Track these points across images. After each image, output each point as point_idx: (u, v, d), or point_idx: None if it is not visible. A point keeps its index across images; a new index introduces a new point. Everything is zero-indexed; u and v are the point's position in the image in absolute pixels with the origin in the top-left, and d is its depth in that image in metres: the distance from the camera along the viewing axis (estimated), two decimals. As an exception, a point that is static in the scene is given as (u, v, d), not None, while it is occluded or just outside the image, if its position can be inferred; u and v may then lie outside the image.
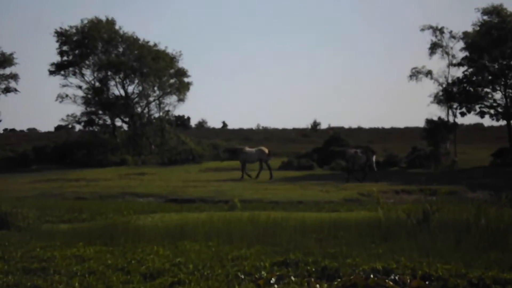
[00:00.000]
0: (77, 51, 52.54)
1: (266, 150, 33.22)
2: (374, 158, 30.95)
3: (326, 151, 33.41)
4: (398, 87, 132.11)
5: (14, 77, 53.05)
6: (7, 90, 53.23)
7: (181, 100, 55.15)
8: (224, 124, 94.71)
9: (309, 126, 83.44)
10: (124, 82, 53.69)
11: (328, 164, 40.06)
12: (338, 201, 21.81)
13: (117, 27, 53.56)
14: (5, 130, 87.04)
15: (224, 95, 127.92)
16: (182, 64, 55.38)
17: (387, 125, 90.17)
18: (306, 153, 44.88)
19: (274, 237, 10.19)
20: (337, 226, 11.04)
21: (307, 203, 20.69)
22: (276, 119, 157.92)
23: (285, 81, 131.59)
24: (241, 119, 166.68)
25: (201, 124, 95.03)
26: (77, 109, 55.50)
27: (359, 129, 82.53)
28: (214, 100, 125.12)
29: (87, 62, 53.25)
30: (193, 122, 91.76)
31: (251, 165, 34.35)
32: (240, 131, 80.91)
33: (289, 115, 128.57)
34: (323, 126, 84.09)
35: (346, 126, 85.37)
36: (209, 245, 9.72)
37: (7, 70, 52.70)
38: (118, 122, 55.28)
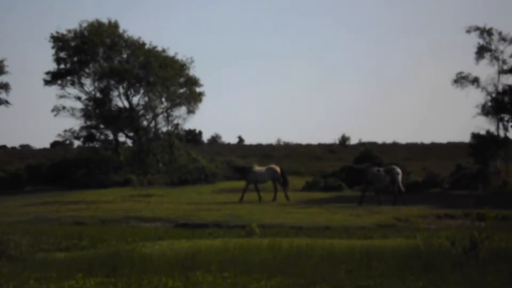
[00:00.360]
0: (75, 58, 52.95)
1: (278, 169, 33.56)
2: (400, 177, 30.79)
3: (356, 169, 33.36)
4: (439, 98, 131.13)
5: (5, 87, 53.33)
6: (-4, 102, 53.65)
7: (191, 112, 55.34)
8: (240, 139, 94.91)
9: (337, 141, 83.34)
10: (128, 92, 54.06)
11: (359, 184, 39.91)
12: (371, 226, 21.71)
13: (120, 30, 54.05)
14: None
15: (240, 106, 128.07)
16: (193, 72, 55.67)
17: (427, 140, 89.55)
18: (334, 172, 44.76)
19: (298, 267, 10.18)
20: (370, 255, 11.01)
21: (335, 228, 20.63)
22: (299, 133, 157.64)
23: (308, 91, 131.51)
24: (259, 134, 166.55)
25: (215, 139, 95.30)
26: (76, 123, 55.74)
27: (395, 145, 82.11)
28: (229, 113, 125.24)
29: (87, 70, 53.65)
30: (205, 137, 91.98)
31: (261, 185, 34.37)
32: (258, 147, 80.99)
33: (314, 128, 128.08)
34: (353, 141, 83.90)
35: (380, 141, 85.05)
36: (224, 276, 9.76)
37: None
38: (122, 138, 55.57)
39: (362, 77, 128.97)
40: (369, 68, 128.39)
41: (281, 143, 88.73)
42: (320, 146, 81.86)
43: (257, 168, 34.00)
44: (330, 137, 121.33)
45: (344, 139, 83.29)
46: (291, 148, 78.86)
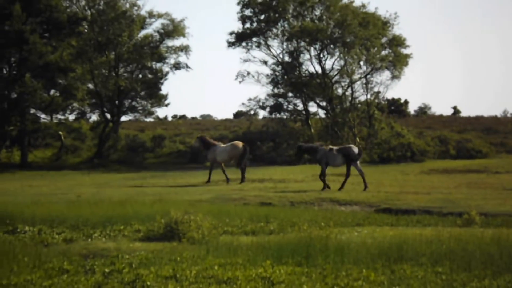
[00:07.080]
0: (262, 16, 54.27)
1: (241, 145, 32.68)
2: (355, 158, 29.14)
3: (306, 148, 31.61)
4: None
5: (185, 49, 55.78)
6: (176, 66, 56.22)
7: (396, 77, 54.88)
8: (456, 111, 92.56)
9: None
10: (321, 55, 54.61)
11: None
12: None
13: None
14: (174, 117, 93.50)
15: (454, 71, 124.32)
16: (398, 30, 54.90)
17: None
18: None
19: (532, 266, 9.76)
20: None
21: None
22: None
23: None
24: (479, 104, 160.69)
25: (423, 111, 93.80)
26: (261, 91, 57.80)
27: None
28: (440, 79, 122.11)
29: (274, 30, 54.87)
30: (412, 108, 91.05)
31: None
32: (479, 119, 78.36)
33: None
34: None
35: None
36: (437, 272, 9.67)
37: (177, 42, 55.62)
38: (313, 107, 56.48)
39: None
40: None
41: (509, 115, 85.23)
42: (561, 119, 77.68)
43: (220, 146, 33.20)
44: None
45: None
46: (521, 122, 75.56)
